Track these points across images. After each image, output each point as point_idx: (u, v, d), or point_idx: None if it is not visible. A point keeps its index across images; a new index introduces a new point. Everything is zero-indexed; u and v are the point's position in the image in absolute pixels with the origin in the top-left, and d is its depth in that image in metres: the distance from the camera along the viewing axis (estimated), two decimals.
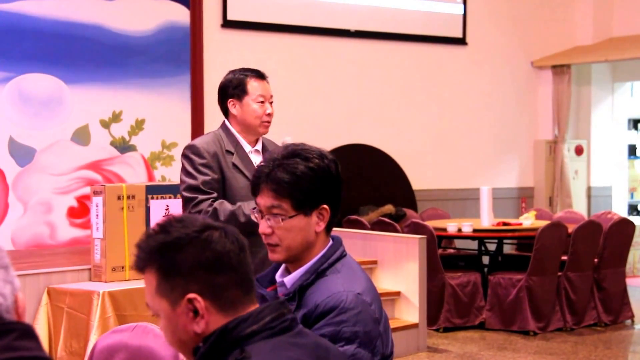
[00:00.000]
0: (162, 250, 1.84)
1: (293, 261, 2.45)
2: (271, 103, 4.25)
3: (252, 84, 4.19)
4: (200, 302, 1.82)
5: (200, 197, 4.04)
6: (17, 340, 1.56)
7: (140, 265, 1.88)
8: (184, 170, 4.12)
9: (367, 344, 2.31)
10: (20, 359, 1.54)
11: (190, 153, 4.12)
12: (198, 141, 4.20)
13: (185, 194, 4.09)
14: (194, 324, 1.83)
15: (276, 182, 2.38)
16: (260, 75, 4.25)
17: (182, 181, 4.12)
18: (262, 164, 2.45)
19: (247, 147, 4.20)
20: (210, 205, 4.01)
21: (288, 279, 2.45)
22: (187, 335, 1.85)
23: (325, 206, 2.43)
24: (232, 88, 4.21)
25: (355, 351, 2.28)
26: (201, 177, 4.05)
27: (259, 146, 4.25)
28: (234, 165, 4.12)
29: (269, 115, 4.20)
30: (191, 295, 1.82)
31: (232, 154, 4.15)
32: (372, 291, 2.42)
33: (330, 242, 2.48)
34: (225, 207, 4.00)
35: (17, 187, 7.46)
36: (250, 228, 3.61)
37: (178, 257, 1.83)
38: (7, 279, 1.64)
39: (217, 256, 1.84)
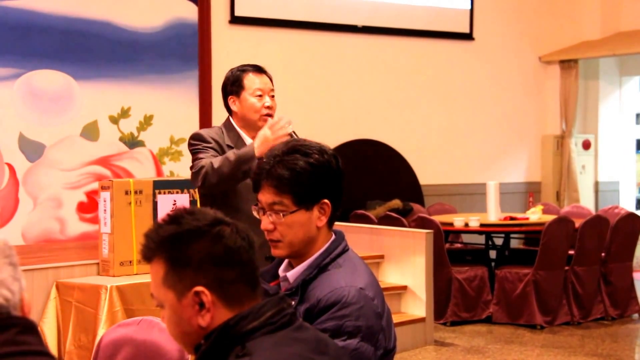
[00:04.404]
0: (173, 241, 1.84)
1: (296, 256, 2.46)
2: (272, 97, 4.23)
3: (249, 79, 4.19)
4: (207, 296, 1.82)
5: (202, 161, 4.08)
6: (19, 335, 1.59)
7: (148, 255, 1.87)
8: (193, 156, 4.17)
9: (369, 338, 2.32)
10: (21, 353, 1.58)
11: (195, 140, 4.17)
12: (202, 130, 4.28)
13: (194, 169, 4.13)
14: (199, 317, 1.83)
15: (276, 178, 2.39)
16: (257, 69, 4.24)
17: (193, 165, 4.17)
18: (262, 160, 2.47)
19: (249, 142, 4.22)
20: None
21: (291, 274, 2.46)
22: (191, 328, 1.85)
23: (326, 201, 2.44)
24: (230, 85, 4.22)
25: (357, 345, 2.29)
26: (212, 152, 4.11)
27: None
28: None
29: (269, 108, 4.18)
30: (199, 288, 1.81)
31: (232, 148, 4.18)
32: (374, 286, 2.43)
33: (333, 236, 2.49)
34: (218, 157, 4.05)
35: (27, 182, 7.51)
36: (241, 165, 3.88)
37: (188, 249, 1.82)
38: (16, 277, 1.67)
39: (227, 251, 1.84)
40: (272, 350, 1.82)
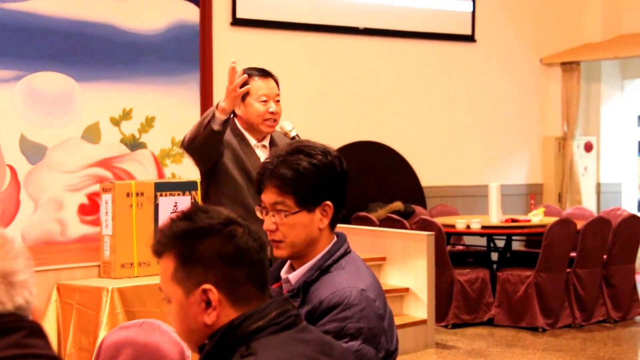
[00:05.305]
0: (185, 237, 1.85)
1: (297, 257, 2.46)
2: (278, 102, 4.22)
3: (255, 84, 4.18)
4: (215, 294, 1.82)
5: None
6: (26, 338, 1.59)
7: (160, 250, 1.88)
8: None
9: (371, 340, 2.33)
10: (28, 356, 1.58)
11: None
12: None
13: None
14: (205, 314, 1.83)
15: (279, 178, 2.40)
16: (263, 74, 4.23)
17: None
18: (266, 160, 2.47)
19: (253, 142, 4.22)
20: None
21: (293, 276, 2.46)
22: (196, 325, 1.85)
23: (328, 203, 2.44)
24: None
25: (359, 347, 2.30)
26: None
27: (266, 141, 4.26)
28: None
29: (273, 113, 4.18)
30: (207, 286, 1.82)
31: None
32: (376, 287, 2.43)
33: (335, 238, 2.49)
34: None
35: (29, 184, 7.51)
36: (204, 119, 3.94)
37: (200, 246, 1.83)
38: (33, 280, 1.68)
39: (238, 251, 1.84)
40: (277, 350, 1.82)
